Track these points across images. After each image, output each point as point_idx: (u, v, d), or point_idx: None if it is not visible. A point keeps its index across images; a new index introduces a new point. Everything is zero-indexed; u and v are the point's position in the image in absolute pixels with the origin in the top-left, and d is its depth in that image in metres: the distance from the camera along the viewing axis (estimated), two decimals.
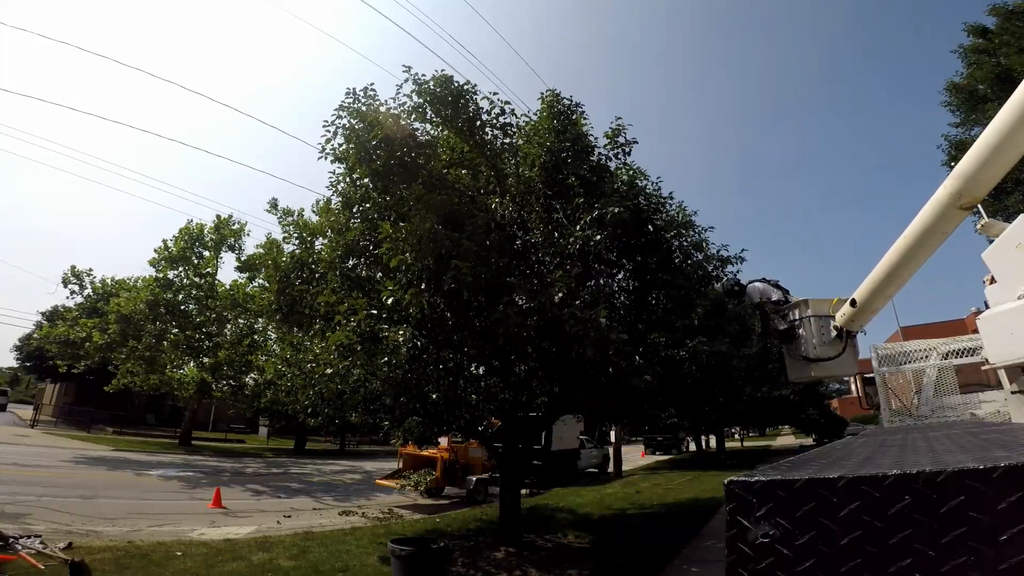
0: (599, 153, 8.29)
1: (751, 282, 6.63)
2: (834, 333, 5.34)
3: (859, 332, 5.41)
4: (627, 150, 8.34)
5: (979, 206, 3.39)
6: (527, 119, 8.59)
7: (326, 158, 7.33)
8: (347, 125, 7.06)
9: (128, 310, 22.42)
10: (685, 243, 8.80)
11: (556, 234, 7.42)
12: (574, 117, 8.09)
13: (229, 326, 25.19)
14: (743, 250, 9.51)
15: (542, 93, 8.35)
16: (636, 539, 8.98)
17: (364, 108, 7.02)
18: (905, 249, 3.81)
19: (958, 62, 16.55)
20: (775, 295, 6.44)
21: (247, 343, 24.50)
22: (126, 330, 22.58)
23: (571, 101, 8.19)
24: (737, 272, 9.41)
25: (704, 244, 9.15)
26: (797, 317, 5.81)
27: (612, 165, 8.45)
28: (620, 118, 8.25)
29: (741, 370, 17.81)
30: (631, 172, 8.71)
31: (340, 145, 7.16)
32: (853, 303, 4.86)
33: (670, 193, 8.96)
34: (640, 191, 8.44)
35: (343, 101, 7.12)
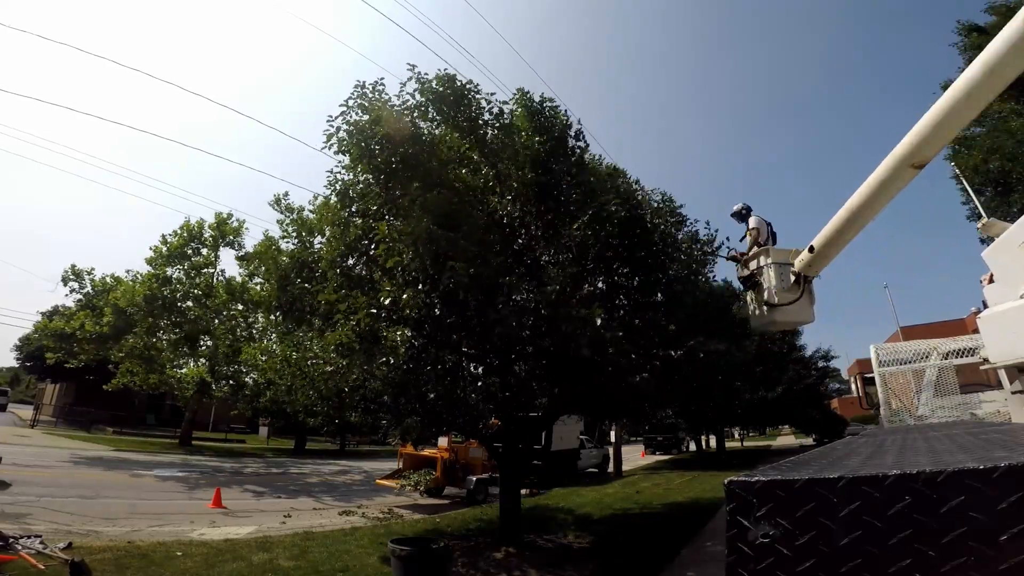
0: (572, 145, 8.16)
1: (752, 214, 6.95)
2: (792, 279, 5.65)
3: (815, 277, 5.73)
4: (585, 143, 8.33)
5: (979, 206, 3.46)
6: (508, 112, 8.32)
7: (329, 149, 7.27)
8: (351, 120, 7.01)
9: (125, 304, 22.34)
10: (671, 229, 8.63)
11: (550, 231, 7.43)
12: (547, 112, 7.83)
13: (223, 314, 25.01)
14: (727, 239, 9.07)
15: (514, 94, 8.03)
16: (636, 539, 8.97)
17: (371, 104, 6.98)
18: (862, 200, 4.26)
19: (958, 58, 16.51)
20: (764, 234, 6.76)
21: (239, 331, 24.32)
22: (118, 323, 22.48)
23: (543, 97, 7.93)
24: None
25: (695, 234, 8.98)
26: (760, 265, 6.08)
27: (586, 157, 8.42)
28: (568, 116, 8.10)
29: (739, 367, 17.78)
30: (604, 168, 8.71)
31: (344, 140, 7.11)
32: (811, 249, 5.24)
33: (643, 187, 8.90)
34: (621, 185, 8.40)
35: (352, 92, 7.05)
